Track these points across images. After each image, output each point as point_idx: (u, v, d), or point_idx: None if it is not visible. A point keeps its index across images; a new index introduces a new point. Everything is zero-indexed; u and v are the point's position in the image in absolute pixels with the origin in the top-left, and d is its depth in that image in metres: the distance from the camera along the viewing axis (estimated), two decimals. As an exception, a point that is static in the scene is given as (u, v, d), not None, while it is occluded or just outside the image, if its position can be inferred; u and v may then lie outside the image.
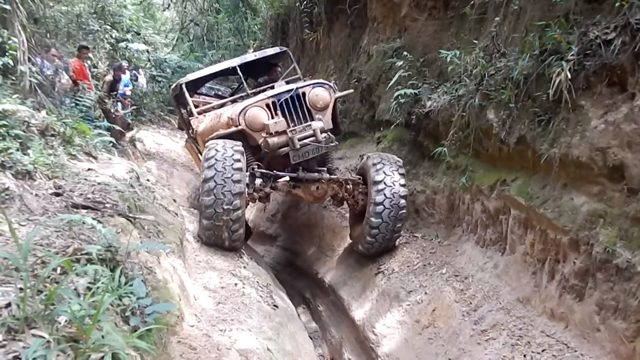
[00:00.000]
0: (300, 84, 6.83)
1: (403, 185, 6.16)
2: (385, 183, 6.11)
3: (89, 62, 10.93)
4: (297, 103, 6.40)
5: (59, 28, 9.98)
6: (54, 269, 2.53)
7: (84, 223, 3.36)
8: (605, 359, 3.49)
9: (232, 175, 5.53)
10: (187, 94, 7.64)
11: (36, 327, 2.01)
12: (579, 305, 3.85)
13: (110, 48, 15.98)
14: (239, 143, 5.96)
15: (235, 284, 5.15)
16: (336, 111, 7.09)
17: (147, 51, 19.50)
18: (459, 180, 5.59)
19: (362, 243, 6.44)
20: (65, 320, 2.05)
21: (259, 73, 8.91)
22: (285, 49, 8.42)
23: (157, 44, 22.38)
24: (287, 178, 6.53)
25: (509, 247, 4.85)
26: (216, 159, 5.60)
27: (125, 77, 13.64)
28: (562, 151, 3.99)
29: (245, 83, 7.90)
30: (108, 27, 15.28)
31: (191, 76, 8.09)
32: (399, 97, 6.75)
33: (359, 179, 6.70)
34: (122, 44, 17.23)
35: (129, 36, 17.71)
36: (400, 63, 6.92)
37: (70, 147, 5.50)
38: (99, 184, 4.61)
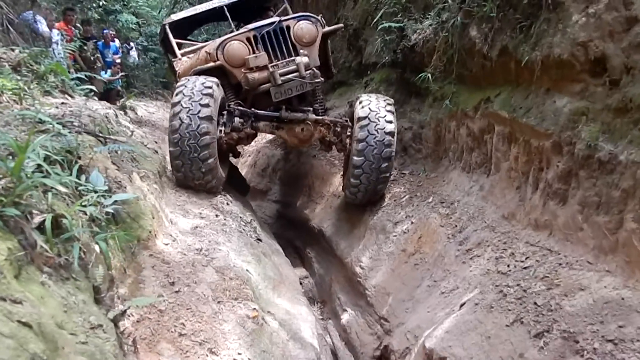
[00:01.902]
0: (284, 17, 6.40)
1: (390, 122, 5.65)
2: (369, 119, 5.63)
3: (75, 27, 10.73)
4: (280, 37, 5.97)
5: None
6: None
7: (43, 124, 3.24)
8: (588, 256, 3.39)
9: (200, 110, 5.09)
10: (170, 36, 7.13)
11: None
12: (562, 209, 3.74)
13: (98, 17, 15.74)
14: (214, 78, 5.52)
15: (217, 215, 5.04)
16: (327, 50, 6.69)
17: (138, 23, 19.26)
18: (445, 107, 5.44)
19: (347, 188, 6.02)
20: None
21: (251, 17, 8.18)
22: None
23: (148, 18, 22.05)
24: (269, 118, 6.11)
25: (494, 166, 4.73)
26: (184, 94, 5.20)
27: (114, 44, 13.41)
28: (543, 53, 3.85)
29: (233, 25, 7.30)
30: (95, -5, 15.01)
31: (175, 16, 7.51)
32: (384, 33, 6.57)
33: (347, 121, 6.26)
34: (111, 16, 17.01)
35: (117, 6, 17.43)
36: (385, -1, 6.73)
37: (44, 83, 5.36)
38: (71, 111, 4.48)
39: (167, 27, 7.26)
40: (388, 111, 5.73)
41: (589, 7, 3.54)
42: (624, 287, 2.97)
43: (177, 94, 5.24)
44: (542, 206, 3.96)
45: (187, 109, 5.09)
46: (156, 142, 6.34)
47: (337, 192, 7.20)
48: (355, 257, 5.80)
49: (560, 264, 3.48)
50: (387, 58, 6.88)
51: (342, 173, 7.26)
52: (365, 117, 5.66)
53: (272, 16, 7.62)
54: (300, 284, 6.17)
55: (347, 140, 6.12)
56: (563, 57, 3.69)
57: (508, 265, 3.88)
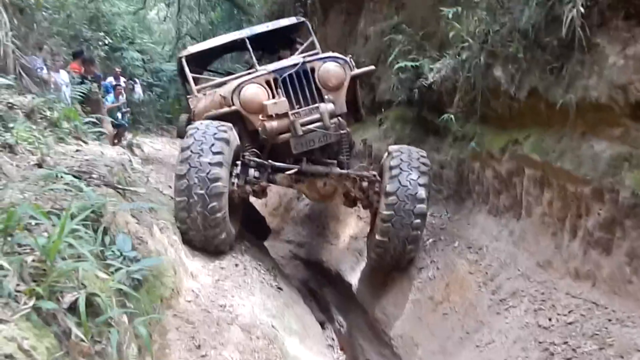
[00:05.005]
0: (309, 57, 5.79)
1: (424, 174, 5.13)
2: (401, 169, 5.09)
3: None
4: (303, 80, 5.41)
5: (51, 27, 9.79)
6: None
7: (66, 184, 3.09)
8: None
9: (212, 156, 4.59)
10: (187, 70, 6.43)
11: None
12: (606, 259, 3.55)
13: (105, 56, 15.83)
14: (228, 123, 5.01)
15: (236, 265, 4.85)
16: (357, 92, 6.07)
17: (143, 60, 19.39)
18: (468, 148, 5.30)
19: (372, 248, 5.46)
20: (29, 249, 1.78)
21: (275, 48, 7.63)
22: (302, 19, 7.15)
23: (153, 54, 22.24)
24: (289, 170, 5.44)
25: (525, 210, 4.56)
26: (195, 138, 4.70)
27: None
28: (578, 96, 3.71)
29: (254, 59, 6.43)
30: (101, 34, 15.10)
31: (192, 49, 6.80)
32: (399, 72, 6.49)
33: (375, 175, 5.58)
34: (117, 53, 17.15)
35: (124, 44, 17.58)
36: (399, 37, 6.67)
37: (58, 130, 5.24)
38: (87, 160, 4.34)
39: (183, 59, 6.61)
40: (422, 163, 5.24)
41: (627, 48, 3.43)
42: (687, 349, 2.77)
43: (187, 137, 4.79)
44: (582, 255, 3.77)
45: (197, 154, 4.62)
46: (170, 187, 6.17)
47: (354, 234, 7.03)
48: (377, 303, 5.59)
49: (609, 320, 3.28)
50: (402, 96, 6.77)
51: (357, 214, 7.10)
52: (396, 167, 5.15)
53: (297, 48, 7.18)
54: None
55: (375, 197, 5.53)
56: (600, 101, 3.56)
57: (549, 319, 3.68)
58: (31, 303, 1.52)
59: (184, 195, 4.59)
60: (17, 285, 1.63)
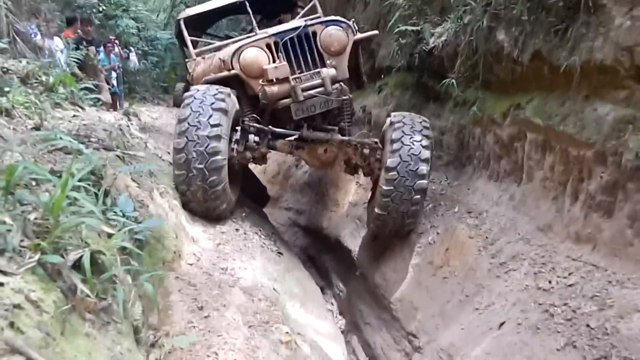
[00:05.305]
0: (310, 21, 5.61)
1: (426, 148, 5.01)
2: (402, 142, 4.98)
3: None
4: (305, 44, 5.28)
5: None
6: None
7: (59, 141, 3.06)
8: (640, 273, 3.21)
9: (210, 129, 4.47)
10: (185, 33, 6.30)
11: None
12: (607, 222, 3.55)
13: (99, 23, 15.56)
14: (227, 89, 4.88)
15: (237, 230, 4.86)
16: (359, 58, 5.99)
17: (138, 28, 19.06)
18: (469, 113, 5.25)
19: (372, 219, 5.41)
20: (32, 207, 1.76)
21: (276, 12, 7.51)
22: None
23: (147, 23, 21.86)
24: (289, 136, 5.39)
25: (526, 175, 4.54)
26: (192, 109, 4.56)
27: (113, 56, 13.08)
28: (583, 58, 3.66)
29: (254, 22, 6.40)
30: (95, 1, 14.82)
31: (190, 11, 6.64)
32: (400, 37, 6.39)
33: (376, 142, 5.52)
34: (112, 21, 16.86)
35: (118, 12, 17.27)
36: (399, 2, 6.54)
37: (54, 96, 5.17)
38: (85, 124, 4.29)
39: (181, 22, 6.46)
40: (424, 135, 5.09)
41: (633, 9, 3.37)
42: (687, 308, 2.80)
43: (184, 107, 4.63)
44: (583, 218, 3.77)
45: (195, 127, 4.49)
46: (168, 153, 6.13)
47: (354, 200, 7.03)
48: (377, 269, 5.63)
49: (610, 282, 3.29)
50: (402, 62, 6.69)
51: (357, 181, 7.08)
52: (397, 140, 5.01)
53: (299, 12, 7.00)
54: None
55: (376, 165, 5.49)
56: (605, 63, 3.51)
57: (550, 282, 3.70)
58: (36, 257, 1.51)
59: (183, 169, 4.50)
60: (21, 241, 1.61)
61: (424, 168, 4.99)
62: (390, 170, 4.97)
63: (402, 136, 5.04)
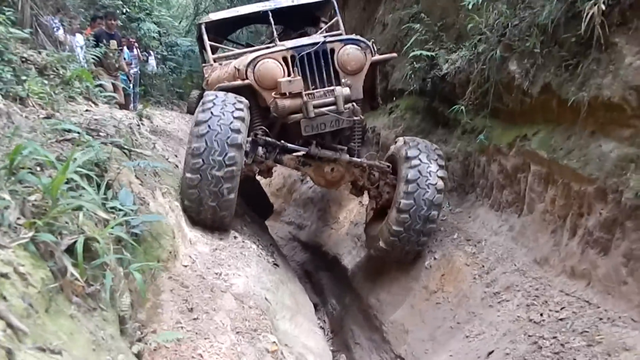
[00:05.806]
0: (329, 37, 5.56)
1: (442, 167, 5.06)
2: (420, 160, 5.02)
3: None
4: (321, 61, 5.20)
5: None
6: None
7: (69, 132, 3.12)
8: (632, 312, 3.19)
9: (230, 136, 4.40)
10: (205, 37, 6.31)
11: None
12: (603, 259, 3.55)
13: (122, 25, 15.80)
14: (244, 99, 4.85)
15: (235, 237, 4.87)
16: (375, 79, 5.89)
17: (159, 32, 19.33)
18: (476, 141, 5.28)
19: (384, 237, 5.20)
20: (33, 189, 1.79)
21: (299, 25, 7.42)
22: None
23: (169, 28, 22.18)
24: (297, 152, 5.36)
25: (527, 207, 4.55)
26: (212, 113, 4.50)
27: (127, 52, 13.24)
28: (591, 94, 3.69)
29: (275, 33, 6.39)
30: (119, 3, 15.08)
31: (214, 16, 6.57)
32: (414, 61, 6.47)
33: (388, 166, 5.49)
34: (134, 24, 17.11)
35: (141, 15, 17.53)
36: (417, 26, 6.63)
37: (69, 89, 5.27)
38: (96, 120, 4.35)
39: (202, 26, 6.47)
40: (438, 155, 5.20)
41: (644, 50, 3.41)
42: (676, 351, 2.78)
43: (203, 111, 4.55)
44: (580, 254, 3.76)
45: (216, 132, 4.42)
46: (176, 156, 6.20)
47: (355, 220, 7.04)
48: (371, 289, 5.62)
49: (600, 319, 3.28)
50: (415, 86, 6.77)
51: (359, 200, 7.08)
52: (415, 157, 5.04)
53: (321, 27, 7.03)
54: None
55: (385, 189, 5.51)
56: (613, 100, 3.54)
57: (541, 314, 3.69)
58: (30, 234, 1.54)
59: (197, 174, 4.41)
60: (18, 219, 1.65)
61: (435, 214, 5.01)
62: (402, 212, 4.96)
63: (419, 154, 5.05)
